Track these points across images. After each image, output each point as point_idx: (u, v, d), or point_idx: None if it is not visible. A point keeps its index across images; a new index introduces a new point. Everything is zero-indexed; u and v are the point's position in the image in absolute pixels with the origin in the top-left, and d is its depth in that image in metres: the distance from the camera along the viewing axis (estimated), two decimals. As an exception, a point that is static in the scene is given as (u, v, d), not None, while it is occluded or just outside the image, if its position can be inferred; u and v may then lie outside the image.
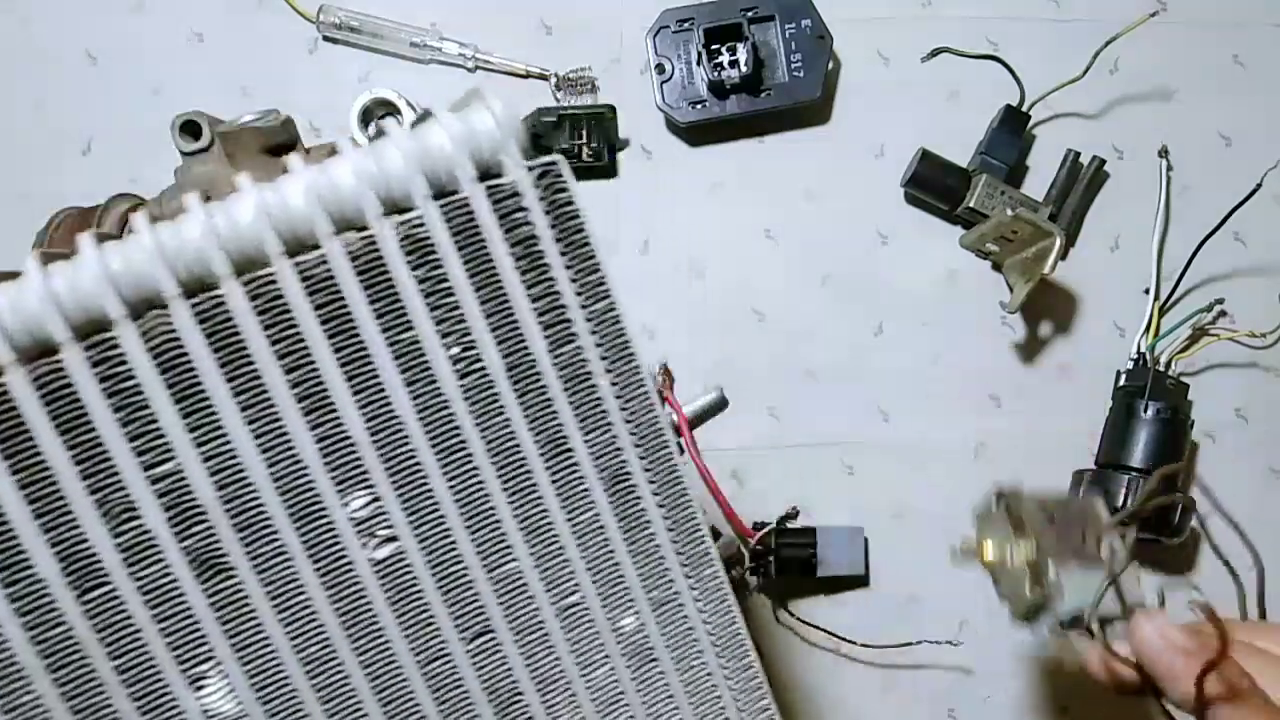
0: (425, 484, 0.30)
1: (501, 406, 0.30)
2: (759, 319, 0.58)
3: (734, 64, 0.55)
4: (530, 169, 0.30)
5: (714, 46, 0.55)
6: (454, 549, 0.31)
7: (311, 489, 0.30)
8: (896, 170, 0.58)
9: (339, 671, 0.31)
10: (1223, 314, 0.58)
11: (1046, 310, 0.59)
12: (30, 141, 0.56)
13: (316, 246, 0.28)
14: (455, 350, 0.30)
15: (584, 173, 0.57)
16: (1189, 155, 0.59)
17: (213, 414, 0.28)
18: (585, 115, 0.55)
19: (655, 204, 0.58)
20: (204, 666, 0.30)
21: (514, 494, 0.31)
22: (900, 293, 0.58)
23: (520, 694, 0.32)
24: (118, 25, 0.56)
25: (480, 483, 0.31)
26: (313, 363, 0.29)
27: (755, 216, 0.58)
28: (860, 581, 0.56)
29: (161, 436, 0.28)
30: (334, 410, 0.29)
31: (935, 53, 0.57)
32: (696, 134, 0.58)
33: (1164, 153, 0.59)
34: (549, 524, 0.32)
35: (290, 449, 0.29)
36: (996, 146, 0.57)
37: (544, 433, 0.31)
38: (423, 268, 0.29)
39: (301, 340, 0.29)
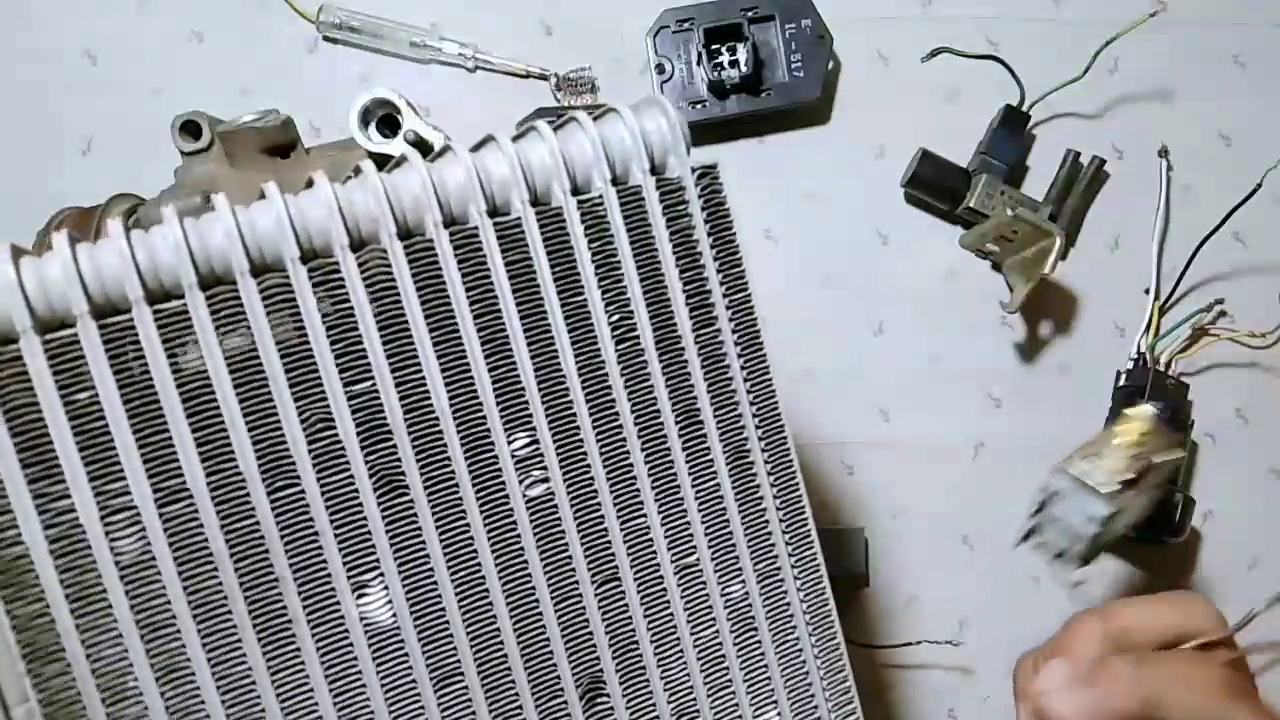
0: (576, 434, 0.34)
1: (647, 374, 0.34)
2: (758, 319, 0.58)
3: (734, 64, 0.55)
4: (694, 170, 0.34)
5: (714, 46, 0.55)
6: (594, 497, 0.34)
7: (482, 423, 0.33)
8: (896, 170, 0.58)
9: (484, 597, 0.34)
10: (1223, 314, 0.58)
11: (1046, 310, 0.59)
12: (30, 141, 0.56)
13: (510, 212, 0.33)
14: (615, 318, 0.34)
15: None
16: (1189, 155, 0.59)
17: (409, 345, 0.32)
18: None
19: (655, 204, 0.58)
20: (368, 576, 0.33)
21: (649, 455, 0.35)
22: (900, 293, 0.58)
23: (635, 643, 0.35)
24: (118, 25, 0.56)
25: (622, 440, 0.34)
26: (498, 311, 0.33)
27: (755, 216, 0.58)
28: (860, 581, 0.56)
29: (363, 358, 0.32)
30: (510, 355, 0.33)
31: (935, 53, 0.57)
32: (697, 134, 0.57)
33: (1164, 153, 0.59)
34: (676, 487, 0.35)
35: (469, 384, 0.33)
36: (996, 146, 0.57)
37: (680, 403, 0.35)
38: (596, 242, 0.33)
39: (491, 290, 0.33)
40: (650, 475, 0.34)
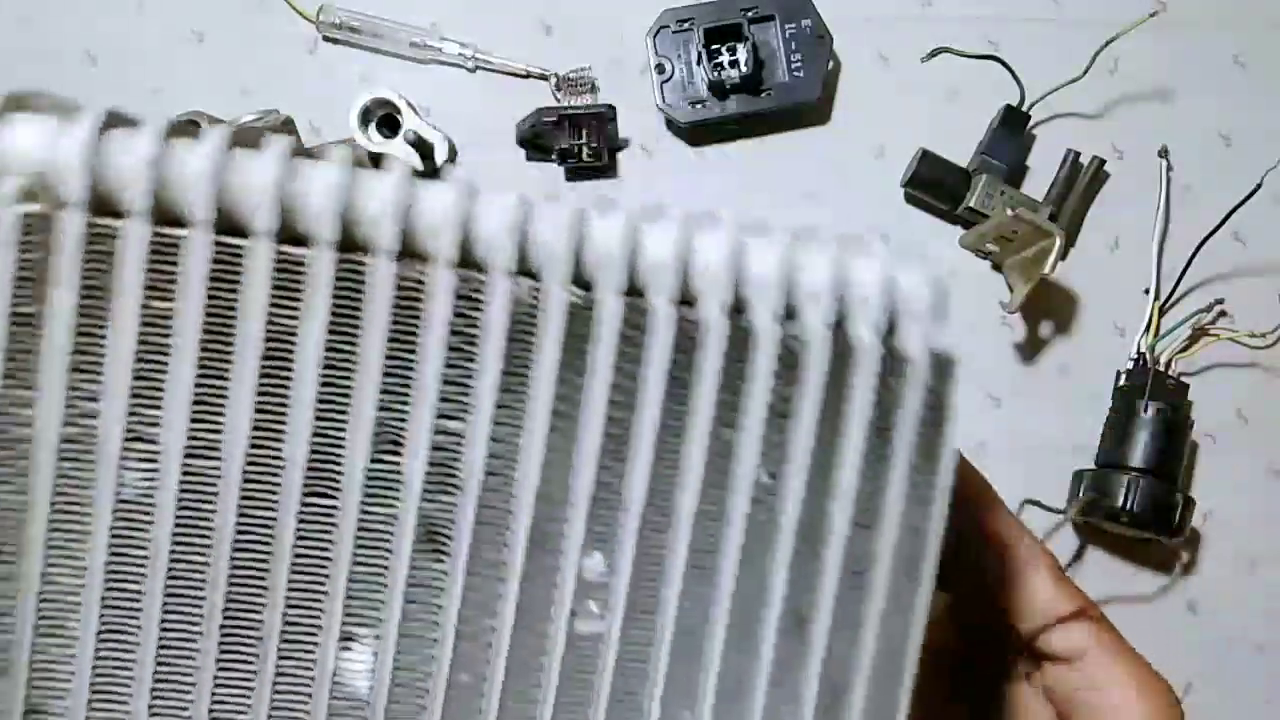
0: (658, 581, 0.28)
1: (771, 555, 0.28)
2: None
3: (734, 64, 0.55)
4: (932, 354, 0.28)
5: (714, 46, 0.55)
6: (646, 663, 0.28)
7: (564, 520, 0.27)
8: (896, 170, 0.58)
9: (478, 713, 0.28)
10: (1223, 314, 0.58)
11: (1046, 310, 0.59)
12: (30, 141, 0.56)
13: (698, 308, 0.27)
14: (764, 478, 0.28)
15: (583, 173, 0.57)
16: (1189, 155, 0.59)
17: (522, 399, 0.27)
18: (585, 115, 0.55)
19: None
20: (363, 630, 0.28)
21: (731, 647, 0.28)
22: (900, 293, 0.58)
23: None
24: (118, 25, 0.56)
25: (707, 613, 0.28)
26: (633, 407, 0.27)
27: (755, 217, 0.58)
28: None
29: (467, 395, 0.27)
30: (624, 461, 0.27)
31: (935, 53, 0.56)
32: (697, 134, 0.58)
33: (1164, 153, 0.59)
34: (748, 702, 0.28)
35: (568, 468, 0.27)
36: (996, 146, 0.57)
37: (792, 608, 0.28)
38: (780, 382, 0.27)
39: (634, 381, 0.27)
40: (720, 674, 0.28)
